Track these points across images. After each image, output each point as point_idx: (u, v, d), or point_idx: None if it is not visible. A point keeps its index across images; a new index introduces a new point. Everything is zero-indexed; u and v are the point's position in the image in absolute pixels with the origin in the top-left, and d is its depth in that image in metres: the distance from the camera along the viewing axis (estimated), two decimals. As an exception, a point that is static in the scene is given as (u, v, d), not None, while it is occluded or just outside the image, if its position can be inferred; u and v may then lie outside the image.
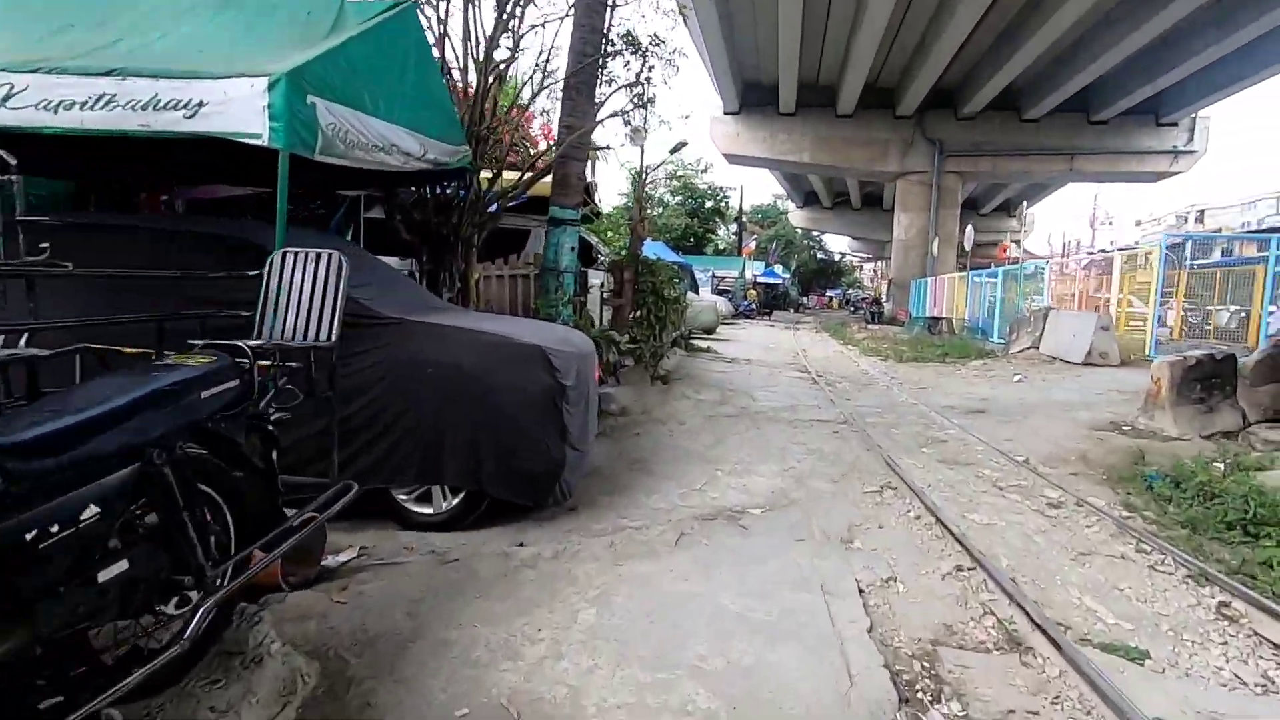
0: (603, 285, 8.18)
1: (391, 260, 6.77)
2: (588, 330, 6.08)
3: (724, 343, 16.38)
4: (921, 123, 28.00)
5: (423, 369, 3.47)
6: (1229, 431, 6.35)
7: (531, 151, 8.08)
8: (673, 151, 12.82)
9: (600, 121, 6.50)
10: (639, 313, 8.10)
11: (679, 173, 33.97)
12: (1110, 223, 59.63)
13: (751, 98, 29.34)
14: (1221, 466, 4.91)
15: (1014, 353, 12.81)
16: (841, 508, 4.14)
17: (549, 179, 6.35)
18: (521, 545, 3.36)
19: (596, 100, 6.50)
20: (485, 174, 6.03)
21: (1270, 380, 6.63)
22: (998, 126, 27.46)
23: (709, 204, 35.11)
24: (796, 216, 55.19)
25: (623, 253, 8.35)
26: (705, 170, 34.82)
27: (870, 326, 26.11)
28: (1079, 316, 10.91)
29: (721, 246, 41.27)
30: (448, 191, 5.69)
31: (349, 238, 8.04)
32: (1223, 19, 18.95)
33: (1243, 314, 16.32)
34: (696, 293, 21.53)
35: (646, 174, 18.87)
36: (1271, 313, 15.84)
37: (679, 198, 34.43)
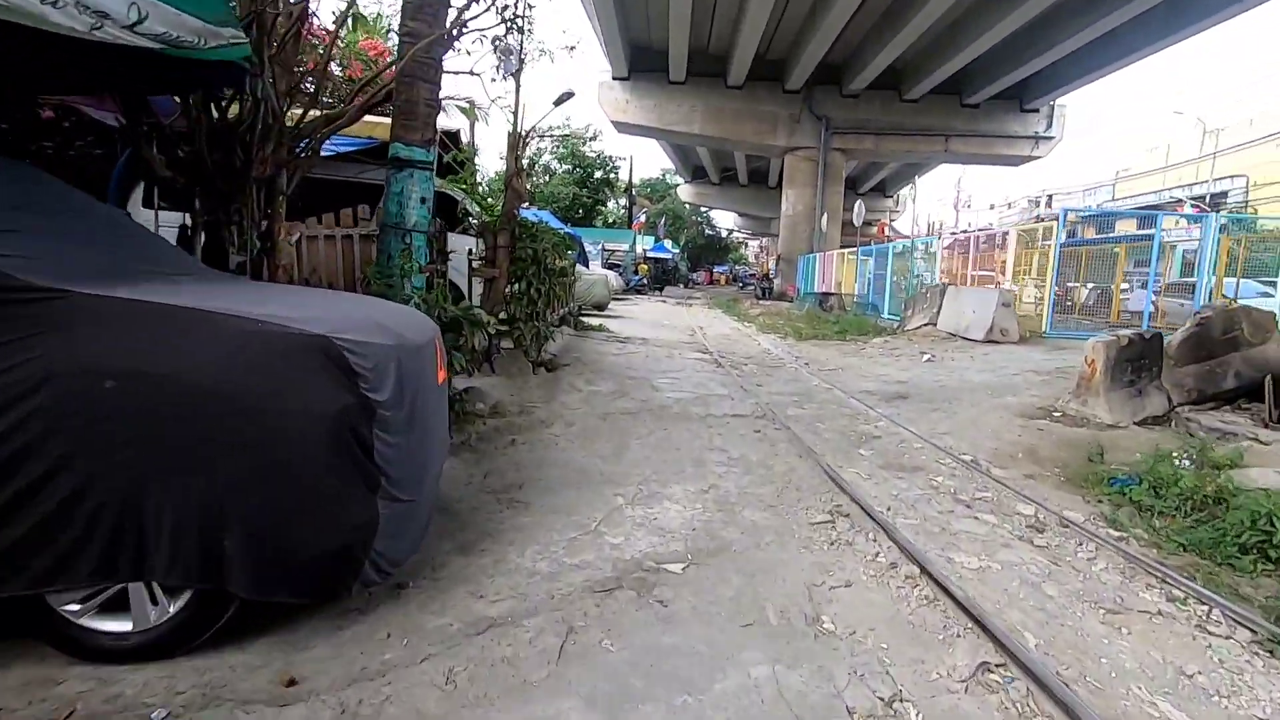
0: (471, 253, 6.65)
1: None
2: (443, 308, 4.59)
3: (617, 320, 15.17)
4: (809, 98, 27.97)
5: (99, 381, 1.93)
6: (1158, 416, 5.95)
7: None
8: (558, 103, 11.23)
9: (457, 32, 4.93)
10: (517, 286, 6.65)
11: (566, 134, 32.12)
12: (969, 205, 64.32)
13: (641, 63, 28.09)
14: (1188, 464, 4.30)
15: (911, 329, 12.54)
16: (791, 554, 3.02)
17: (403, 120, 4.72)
18: (291, 685, 1.94)
19: (452, 4, 4.92)
20: (287, 99, 4.33)
21: (1192, 360, 6.31)
22: (880, 106, 27.96)
23: (598, 174, 33.53)
24: (685, 192, 54.81)
25: (497, 213, 6.82)
26: (594, 138, 33.18)
27: (762, 302, 25.93)
28: (980, 293, 10.66)
29: (611, 219, 39.94)
30: (228, 110, 3.97)
31: (140, 192, 6.03)
32: (1086, 7, 19.77)
33: (1098, 291, 17.35)
34: (586, 266, 20.17)
35: (528, 134, 17.11)
36: (1126, 289, 16.90)
37: (567, 166, 32.59)
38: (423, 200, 4.73)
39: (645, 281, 30.65)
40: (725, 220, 71.34)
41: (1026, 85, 26.40)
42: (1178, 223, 24.51)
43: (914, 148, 29.03)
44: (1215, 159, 27.63)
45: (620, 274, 28.21)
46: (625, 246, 31.80)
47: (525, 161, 7.68)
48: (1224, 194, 29.08)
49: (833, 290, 22.05)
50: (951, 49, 22.95)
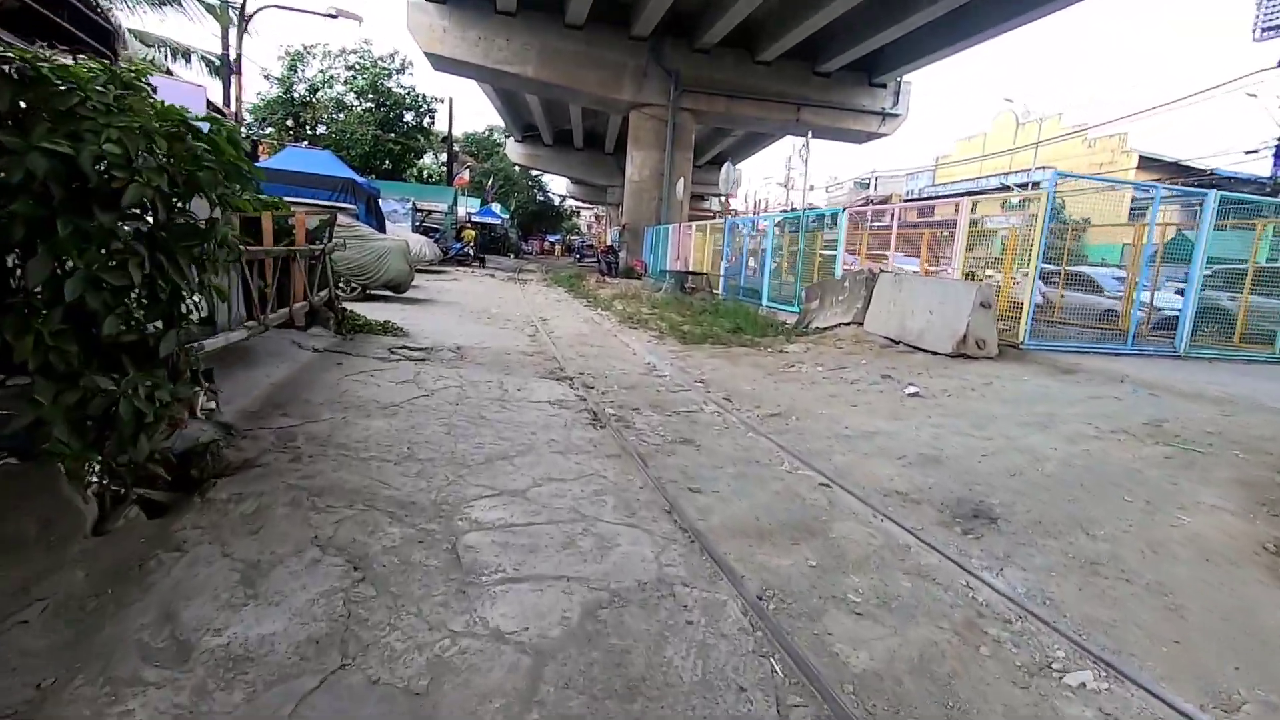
0: None
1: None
2: None
3: (421, 306, 10.58)
4: (658, 49, 24.65)
5: None
6: None
7: None
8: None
9: None
10: (42, 269, 2.20)
11: (363, 63, 25.61)
12: (793, 186, 65.95)
13: (461, -17, 22.79)
14: None
15: (824, 328, 9.52)
16: None
17: None
18: None
19: None
20: None
21: None
22: (733, 65, 25.44)
23: (409, 116, 27.41)
24: (515, 152, 49.30)
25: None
26: (403, 70, 26.91)
27: (609, 280, 22.27)
28: (942, 286, 7.71)
29: (428, 174, 33.80)
30: None
31: None
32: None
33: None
34: (383, 229, 15.06)
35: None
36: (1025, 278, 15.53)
37: (367, 102, 26.10)
38: None
39: (470, 250, 25.56)
40: (557, 186, 66.59)
41: (878, 58, 25.22)
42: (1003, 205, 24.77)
43: (767, 115, 26.83)
44: (1037, 149, 28.62)
45: (438, 240, 22.97)
46: (444, 207, 26.35)
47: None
48: (1037, 184, 30.49)
49: (688, 268, 18.96)
50: (807, 9, 20.77)
